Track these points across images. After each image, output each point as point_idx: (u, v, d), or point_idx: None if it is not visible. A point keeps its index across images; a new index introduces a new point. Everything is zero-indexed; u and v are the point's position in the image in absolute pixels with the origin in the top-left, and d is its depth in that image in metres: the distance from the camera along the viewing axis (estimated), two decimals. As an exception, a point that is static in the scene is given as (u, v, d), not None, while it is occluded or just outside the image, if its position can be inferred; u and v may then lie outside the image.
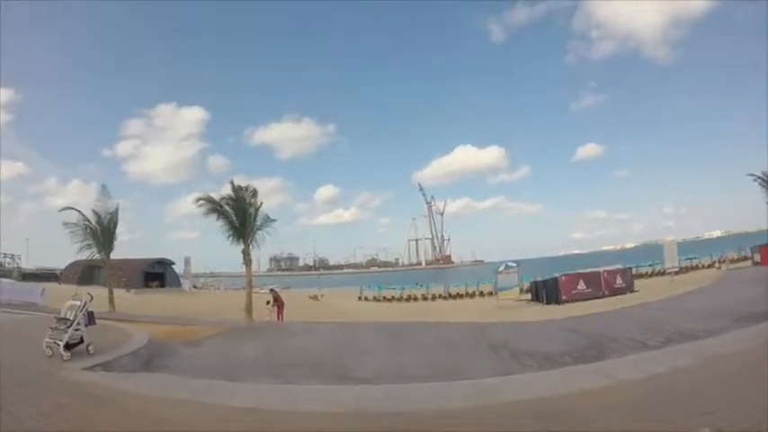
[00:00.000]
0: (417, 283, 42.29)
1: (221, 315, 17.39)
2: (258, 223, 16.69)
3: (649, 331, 8.36)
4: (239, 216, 16.16)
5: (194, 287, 52.63)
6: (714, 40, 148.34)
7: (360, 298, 34.48)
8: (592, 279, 20.64)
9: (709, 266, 30.52)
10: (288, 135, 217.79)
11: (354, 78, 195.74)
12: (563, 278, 20.40)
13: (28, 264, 61.89)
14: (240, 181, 17.24)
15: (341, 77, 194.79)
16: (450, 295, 31.98)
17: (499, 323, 11.90)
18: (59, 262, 40.66)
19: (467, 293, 31.66)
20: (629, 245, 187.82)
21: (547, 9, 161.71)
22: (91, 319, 7.40)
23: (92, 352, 7.07)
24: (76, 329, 7.07)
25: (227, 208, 16.21)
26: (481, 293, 30.89)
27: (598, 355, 6.97)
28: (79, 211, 20.11)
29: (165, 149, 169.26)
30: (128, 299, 31.92)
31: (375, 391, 5.57)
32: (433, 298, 31.41)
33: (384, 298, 33.14)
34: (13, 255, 59.43)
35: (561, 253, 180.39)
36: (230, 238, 16.23)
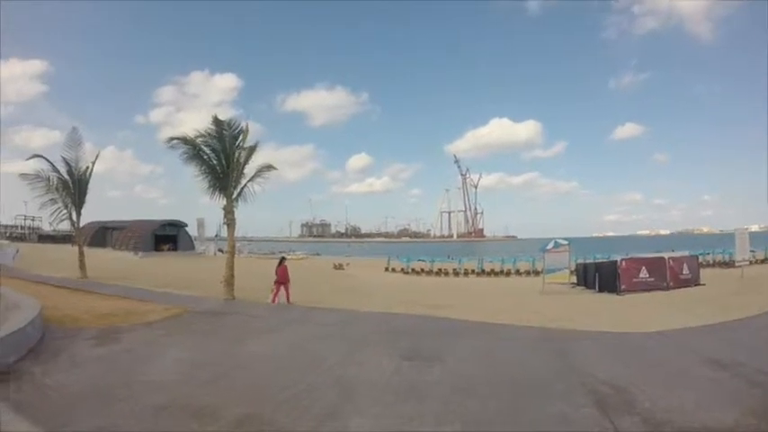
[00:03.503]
0: (449, 256, 38.97)
1: (208, 287, 14.57)
2: (248, 171, 13.20)
3: None
4: (220, 160, 12.64)
5: (219, 251, 51.30)
6: (761, 18, 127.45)
7: (387, 269, 31.70)
8: (655, 266, 16.83)
9: (763, 261, 28.13)
10: (320, 103, 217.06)
11: (389, 47, 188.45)
12: (623, 263, 16.59)
13: (49, 226, 64.27)
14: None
15: (375, 45, 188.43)
16: (483, 271, 28.74)
17: (580, 333, 7.91)
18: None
19: (502, 271, 28.41)
20: (664, 231, 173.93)
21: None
22: None
23: None
24: None
25: (205, 149, 12.61)
26: (517, 272, 27.92)
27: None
28: (47, 159, 17.87)
29: (198, 116, 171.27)
30: (125, 262, 30.29)
31: None
32: (466, 273, 28.16)
33: (413, 270, 30.11)
34: (33, 217, 61.50)
35: (595, 234, 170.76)
36: (210, 189, 12.79)
